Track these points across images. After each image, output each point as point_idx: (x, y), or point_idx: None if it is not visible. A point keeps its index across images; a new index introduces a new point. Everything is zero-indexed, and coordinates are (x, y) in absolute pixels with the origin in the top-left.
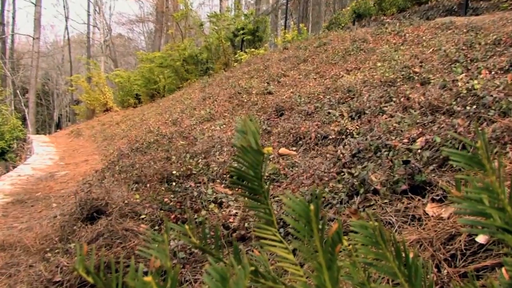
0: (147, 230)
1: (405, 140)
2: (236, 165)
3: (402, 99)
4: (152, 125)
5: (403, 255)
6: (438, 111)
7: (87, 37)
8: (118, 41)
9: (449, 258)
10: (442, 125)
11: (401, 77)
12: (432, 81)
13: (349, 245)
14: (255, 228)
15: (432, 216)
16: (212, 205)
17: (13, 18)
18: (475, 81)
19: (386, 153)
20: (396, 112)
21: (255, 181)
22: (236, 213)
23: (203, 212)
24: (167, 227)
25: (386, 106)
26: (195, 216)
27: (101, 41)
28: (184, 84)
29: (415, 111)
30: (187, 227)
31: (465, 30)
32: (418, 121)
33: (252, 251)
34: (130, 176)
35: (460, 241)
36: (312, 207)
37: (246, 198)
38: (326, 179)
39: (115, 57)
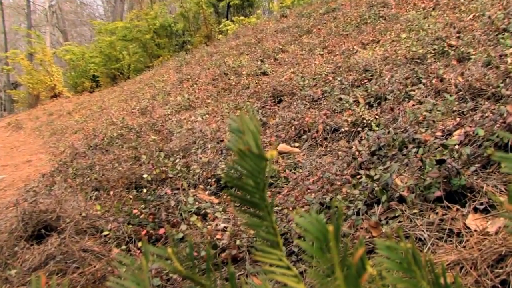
0: (121, 256)
1: (439, 134)
2: (230, 172)
3: (433, 81)
4: (114, 115)
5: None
6: (480, 96)
7: (27, 1)
8: (68, 7)
9: (499, 286)
10: (486, 114)
11: (432, 52)
12: (473, 57)
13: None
14: (255, 252)
15: (475, 230)
16: (194, 218)
17: None
18: None
19: (414, 150)
20: (426, 97)
21: (255, 193)
22: (225, 227)
23: (183, 227)
24: (146, 251)
25: (414, 90)
26: (173, 232)
27: (46, 6)
28: (155, 62)
29: (450, 95)
30: (169, 250)
31: None
32: (454, 108)
33: (247, 276)
34: (88, 181)
35: None
36: (331, 228)
37: (245, 214)
38: (338, 183)
39: (64, 28)
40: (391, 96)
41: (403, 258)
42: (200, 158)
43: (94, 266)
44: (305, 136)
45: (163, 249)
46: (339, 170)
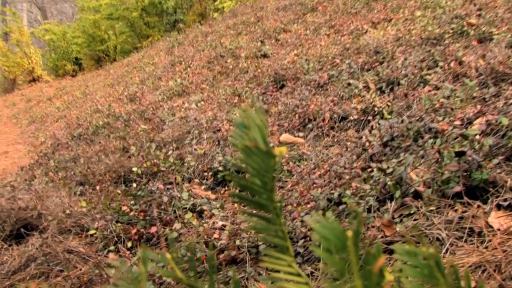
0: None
1: (457, 122)
2: (234, 170)
3: (451, 64)
4: (100, 102)
5: None
6: (504, 80)
7: None
8: None
9: None
10: (511, 101)
11: (450, 32)
12: (496, 37)
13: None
14: (263, 257)
15: (499, 229)
16: (189, 215)
17: None
18: None
19: (430, 140)
20: (443, 82)
21: (263, 194)
22: (223, 226)
23: (177, 225)
24: (145, 257)
25: (429, 74)
26: (165, 231)
27: None
28: (144, 43)
29: (470, 80)
30: (168, 256)
31: None
32: (475, 94)
33: (247, 279)
34: (71, 175)
35: None
36: (350, 234)
37: (252, 217)
38: (347, 177)
39: (43, 5)
40: (405, 81)
41: (425, 265)
42: (195, 149)
43: (80, 269)
44: (310, 125)
45: (162, 256)
46: (348, 163)
